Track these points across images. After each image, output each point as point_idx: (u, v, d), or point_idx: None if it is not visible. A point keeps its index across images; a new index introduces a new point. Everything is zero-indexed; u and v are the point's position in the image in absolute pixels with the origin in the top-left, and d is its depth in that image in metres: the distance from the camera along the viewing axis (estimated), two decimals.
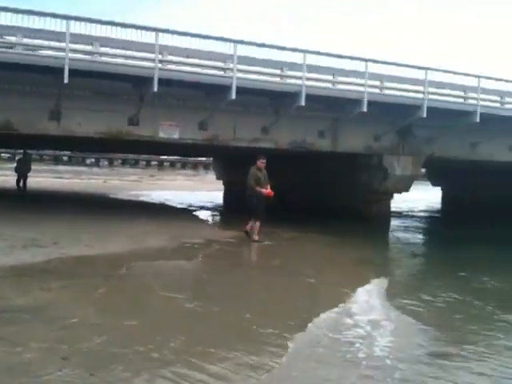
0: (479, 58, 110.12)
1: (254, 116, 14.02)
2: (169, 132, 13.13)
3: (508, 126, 16.29)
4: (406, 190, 16.73)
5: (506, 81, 16.53)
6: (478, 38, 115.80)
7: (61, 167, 39.73)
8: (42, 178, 27.72)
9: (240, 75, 12.47)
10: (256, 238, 10.61)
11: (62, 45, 10.83)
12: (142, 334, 4.80)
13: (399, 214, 19.89)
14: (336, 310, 6.06)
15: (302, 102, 12.77)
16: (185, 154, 35.25)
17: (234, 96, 11.99)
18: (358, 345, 4.85)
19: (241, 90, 12.17)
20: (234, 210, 19.63)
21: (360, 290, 7.22)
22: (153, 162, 44.93)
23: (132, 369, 4.01)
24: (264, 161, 10.72)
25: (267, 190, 10.51)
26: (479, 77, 15.46)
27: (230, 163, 24.15)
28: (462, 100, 15.90)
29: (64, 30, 10.76)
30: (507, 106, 16.70)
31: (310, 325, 5.37)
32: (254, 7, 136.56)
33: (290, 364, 4.32)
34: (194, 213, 18.25)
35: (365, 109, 13.56)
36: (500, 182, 22.71)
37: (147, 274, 7.58)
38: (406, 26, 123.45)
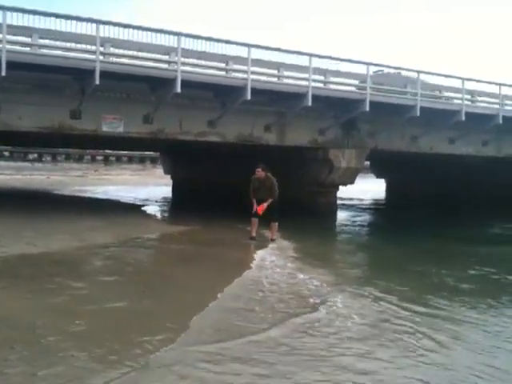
0: (480, 59, 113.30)
1: (201, 110, 13.94)
2: (113, 126, 12.88)
3: (446, 120, 16.91)
4: (351, 182, 17.10)
5: (446, 76, 17.17)
6: (479, 40, 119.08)
7: (2, 163, 38.29)
8: None
9: (185, 68, 12.38)
10: (274, 237, 10.63)
11: None
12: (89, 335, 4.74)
13: (345, 206, 20.37)
14: None
15: (248, 96, 12.82)
16: (131, 149, 34.70)
17: (178, 89, 11.89)
18: None
19: (186, 84, 12.07)
20: (182, 204, 19.62)
21: None
22: (98, 157, 43.85)
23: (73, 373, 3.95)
24: (259, 169, 10.54)
25: (258, 207, 10.43)
26: (419, 72, 15.98)
27: (178, 157, 23.99)
28: (403, 94, 16.37)
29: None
30: (445, 100, 17.35)
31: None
32: (257, 13, 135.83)
33: None
34: (142, 208, 18.05)
35: (309, 103, 13.75)
36: (441, 174, 23.64)
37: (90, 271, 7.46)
38: (407, 29, 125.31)
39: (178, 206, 20.55)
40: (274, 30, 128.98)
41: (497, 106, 17.89)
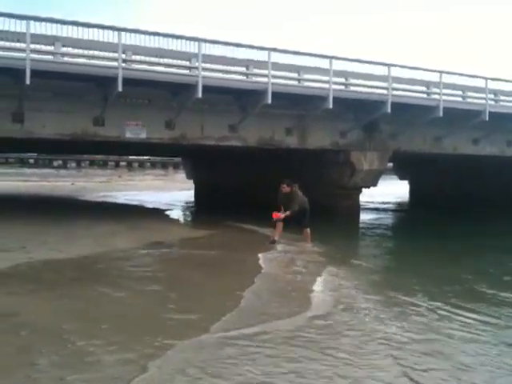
0: (479, 59, 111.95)
1: (222, 114, 14.03)
2: (135, 132, 13.04)
3: (470, 120, 16.68)
4: (374, 184, 16.98)
5: (468, 76, 16.95)
6: (478, 40, 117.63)
7: (27, 170, 39.03)
8: (6, 182, 27.16)
9: (206, 74, 12.47)
10: (309, 244, 10.69)
11: (23, 45, 10.64)
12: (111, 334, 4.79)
13: (369, 209, 20.21)
14: None
15: (269, 100, 12.84)
16: (154, 154, 35.03)
17: (200, 95, 11.98)
18: None
19: (207, 89, 12.16)
20: (205, 208, 19.72)
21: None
22: (122, 163, 44.48)
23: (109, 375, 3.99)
24: (284, 185, 10.58)
25: (274, 213, 10.51)
26: (441, 72, 15.80)
27: (200, 162, 24.15)
28: (425, 95, 16.21)
29: (24, 30, 10.57)
30: (469, 100, 17.11)
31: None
32: (256, 15, 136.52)
33: None
34: (165, 213, 18.19)
35: (330, 105, 13.71)
36: (465, 175, 23.32)
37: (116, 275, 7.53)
38: (406, 29, 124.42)
39: (200, 209, 20.64)
40: (272, 30, 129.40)
41: None
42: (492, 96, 17.36)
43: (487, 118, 16.34)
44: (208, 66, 12.75)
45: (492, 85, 17.12)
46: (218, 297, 6.41)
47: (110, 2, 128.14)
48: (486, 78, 16.75)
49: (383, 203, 23.79)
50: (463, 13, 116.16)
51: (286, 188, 10.62)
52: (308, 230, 10.77)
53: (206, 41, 12.46)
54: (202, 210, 20.01)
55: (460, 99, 17.05)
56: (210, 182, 22.87)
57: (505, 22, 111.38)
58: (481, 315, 5.89)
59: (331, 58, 13.99)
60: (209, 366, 4.18)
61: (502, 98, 17.86)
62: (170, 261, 8.98)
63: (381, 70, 15.01)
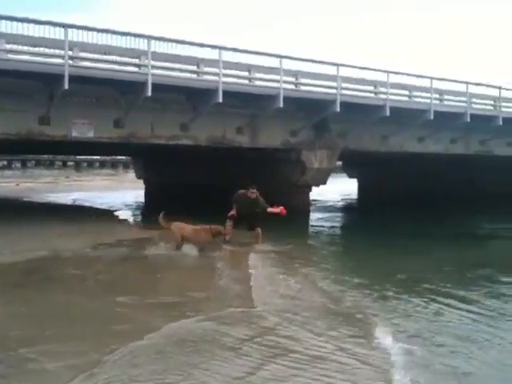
0: (471, 58, 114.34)
1: (173, 113, 13.90)
2: (82, 131, 12.72)
3: (416, 119, 17.18)
4: (324, 182, 17.25)
5: (415, 75, 17.43)
6: (470, 40, 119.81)
7: None
8: None
9: (156, 72, 12.31)
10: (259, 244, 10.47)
11: None
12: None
13: (318, 206, 20.48)
14: None
15: (220, 99, 12.82)
16: (103, 154, 34.31)
17: (149, 93, 11.82)
18: None
19: (157, 87, 12.01)
20: (155, 209, 19.42)
21: None
22: (69, 163, 43.23)
23: None
24: (253, 191, 10.35)
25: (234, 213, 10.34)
26: (388, 72, 16.20)
27: (151, 161, 23.83)
28: (373, 95, 16.57)
29: None
30: (415, 99, 17.61)
31: None
32: (246, 15, 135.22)
33: None
34: (115, 213, 17.82)
35: (281, 104, 13.82)
36: (411, 172, 24.02)
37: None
38: (398, 29, 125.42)
39: (150, 210, 20.33)
40: (263, 31, 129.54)
41: (464, 105, 18.25)
42: (437, 95, 17.96)
43: (432, 117, 16.88)
44: (158, 63, 12.58)
45: (437, 84, 17.71)
46: (169, 298, 6.35)
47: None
48: (432, 78, 17.30)
49: (332, 201, 24.18)
50: (454, 13, 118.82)
51: (254, 194, 10.38)
52: (259, 230, 10.52)
53: (155, 38, 12.31)
54: (153, 210, 19.70)
55: (407, 99, 17.51)
56: (161, 182, 22.60)
57: (496, 21, 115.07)
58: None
59: (281, 57, 14.11)
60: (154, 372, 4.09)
61: (447, 97, 18.51)
62: (118, 262, 8.80)
63: (331, 70, 15.25)
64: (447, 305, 6.34)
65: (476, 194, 21.79)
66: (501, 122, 18.85)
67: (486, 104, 19.53)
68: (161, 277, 7.64)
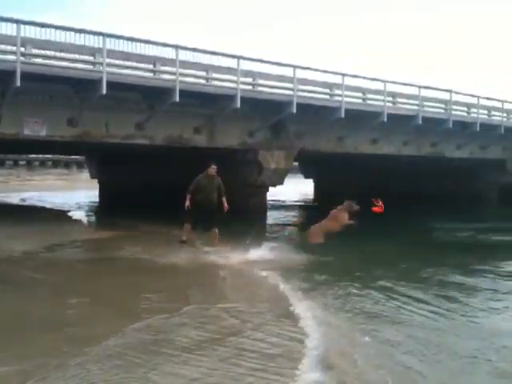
0: (471, 58, 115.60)
1: (128, 112, 13.69)
2: (35, 129, 12.38)
3: (370, 121, 17.55)
4: (281, 182, 17.37)
5: (369, 78, 17.79)
6: (470, 40, 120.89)
7: None
8: None
9: (111, 70, 12.11)
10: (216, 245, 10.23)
11: None
12: None
13: (275, 207, 20.65)
14: None
15: (176, 98, 12.74)
16: (56, 153, 33.47)
17: (104, 91, 11.63)
18: None
19: (112, 85, 11.83)
20: (110, 209, 19.14)
21: None
22: (21, 162, 42.00)
23: None
24: (215, 167, 10.19)
25: (187, 203, 9.95)
26: (344, 74, 16.48)
27: (105, 161, 23.41)
28: (329, 97, 16.81)
29: None
30: (369, 102, 17.98)
31: None
32: (246, 13, 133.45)
33: None
34: (68, 214, 17.46)
35: (238, 105, 13.86)
36: (366, 173, 24.50)
37: None
38: (397, 29, 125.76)
39: (105, 210, 20.03)
40: (263, 30, 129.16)
41: (416, 108, 18.76)
42: (390, 98, 18.40)
43: (385, 120, 17.29)
44: (113, 61, 12.39)
45: (391, 87, 18.13)
46: (124, 300, 6.28)
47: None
48: (385, 81, 17.70)
49: (289, 201, 24.42)
50: (454, 13, 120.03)
51: (214, 169, 10.12)
52: (216, 230, 10.26)
53: (109, 35, 12.11)
54: (107, 210, 19.43)
55: (362, 101, 17.85)
56: (116, 182, 22.23)
57: (496, 21, 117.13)
58: None
59: (239, 57, 14.14)
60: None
61: (400, 100, 18.97)
62: (72, 264, 8.63)
63: (288, 72, 15.39)
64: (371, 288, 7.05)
65: (426, 194, 22.44)
66: (451, 125, 19.48)
67: (437, 107, 20.12)
68: (118, 278, 7.53)
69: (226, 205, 10.22)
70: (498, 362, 4.59)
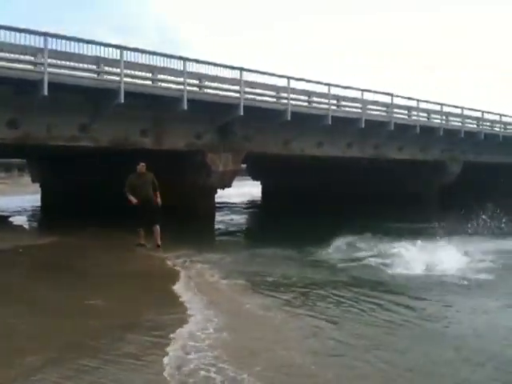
0: (471, 58, 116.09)
1: (72, 114, 13.31)
2: None
3: (315, 124, 17.87)
4: (229, 185, 17.39)
5: (314, 82, 18.11)
6: (470, 40, 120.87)
7: None
8: None
9: (53, 70, 11.79)
10: (159, 242, 10.20)
11: None
12: None
13: (223, 209, 20.68)
14: None
15: (121, 100, 12.54)
16: None
17: (46, 92, 11.32)
18: None
19: (54, 86, 11.52)
20: (52, 213, 18.58)
21: None
22: None
23: None
24: (143, 164, 10.32)
25: (133, 200, 9.97)
26: (289, 78, 16.71)
27: (48, 164, 22.72)
28: (275, 100, 16.99)
29: None
30: (314, 104, 18.30)
31: None
32: (246, 13, 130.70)
33: None
34: (8, 219, 16.85)
35: (185, 107, 13.79)
36: (312, 175, 24.91)
37: None
38: (398, 29, 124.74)
39: (47, 215, 19.45)
40: (263, 30, 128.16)
41: (360, 111, 19.24)
42: (335, 101, 18.80)
43: (330, 122, 17.65)
44: (55, 62, 12.06)
45: (335, 91, 18.52)
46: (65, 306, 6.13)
47: None
48: (329, 85, 18.07)
49: (237, 203, 24.51)
50: (454, 13, 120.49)
51: (144, 167, 10.28)
52: (158, 227, 10.21)
53: (51, 35, 11.79)
54: (50, 215, 18.88)
55: (307, 104, 18.13)
56: (58, 186, 21.62)
57: (496, 22, 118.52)
58: None
59: (185, 59, 14.10)
60: None
61: (344, 103, 19.40)
62: (14, 269, 8.35)
63: (234, 74, 15.45)
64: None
65: (371, 194, 23.04)
66: (392, 128, 20.10)
67: (379, 110, 20.70)
68: (59, 283, 7.34)
69: (159, 200, 10.28)
70: None
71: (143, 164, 10.40)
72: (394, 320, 5.75)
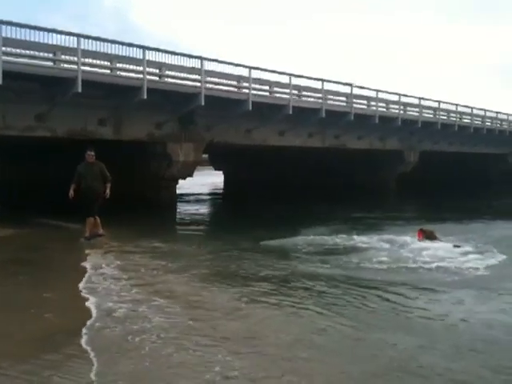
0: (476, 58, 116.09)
1: (28, 103, 12.98)
2: None
3: (277, 114, 17.95)
4: (190, 175, 17.34)
5: (276, 72, 18.12)
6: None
7: None
8: None
9: (6, 58, 11.44)
10: (100, 232, 9.97)
11: None
12: None
13: (185, 199, 20.60)
14: None
15: (79, 89, 12.27)
16: None
17: (0, 81, 10.97)
18: None
19: (8, 75, 11.20)
20: (10, 207, 18.06)
21: None
22: None
23: None
24: (92, 153, 9.86)
25: (70, 193, 9.67)
26: (250, 68, 16.67)
27: (2, 156, 22.02)
28: (236, 89, 16.94)
29: None
30: (276, 95, 18.34)
31: None
32: (260, 10, 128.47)
33: None
34: None
35: (145, 96, 13.60)
36: (272, 163, 25.07)
37: None
38: (411, 28, 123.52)
39: (4, 208, 18.89)
40: (276, 26, 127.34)
41: (320, 101, 19.41)
42: (296, 92, 18.89)
43: (291, 112, 17.75)
44: (9, 49, 11.69)
45: (296, 81, 18.61)
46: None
47: None
48: (291, 75, 18.14)
49: (199, 194, 24.43)
50: (455, 13, 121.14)
51: (92, 157, 9.91)
52: (98, 217, 9.93)
53: (6, 23, 11.42)
54: (9, 208, 18.36)
55: (268, 94, 18.16)
56: (12, 178, 21.00)
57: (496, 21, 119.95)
58: None
59: (145, 48, 13.89)
60: None
61: (305, 93, 19.52)
62: None
63: (195, 63, 15.31)
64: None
65: (329, 183, 23.40)
66: (352, 118, 20.37)
67: (339, 100, 20.93)
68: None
69: (107, 192, 9.95)
70: None
71: (91, 153, 9.98)
72: None
